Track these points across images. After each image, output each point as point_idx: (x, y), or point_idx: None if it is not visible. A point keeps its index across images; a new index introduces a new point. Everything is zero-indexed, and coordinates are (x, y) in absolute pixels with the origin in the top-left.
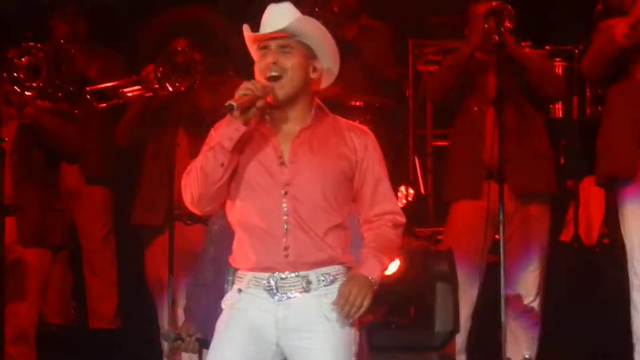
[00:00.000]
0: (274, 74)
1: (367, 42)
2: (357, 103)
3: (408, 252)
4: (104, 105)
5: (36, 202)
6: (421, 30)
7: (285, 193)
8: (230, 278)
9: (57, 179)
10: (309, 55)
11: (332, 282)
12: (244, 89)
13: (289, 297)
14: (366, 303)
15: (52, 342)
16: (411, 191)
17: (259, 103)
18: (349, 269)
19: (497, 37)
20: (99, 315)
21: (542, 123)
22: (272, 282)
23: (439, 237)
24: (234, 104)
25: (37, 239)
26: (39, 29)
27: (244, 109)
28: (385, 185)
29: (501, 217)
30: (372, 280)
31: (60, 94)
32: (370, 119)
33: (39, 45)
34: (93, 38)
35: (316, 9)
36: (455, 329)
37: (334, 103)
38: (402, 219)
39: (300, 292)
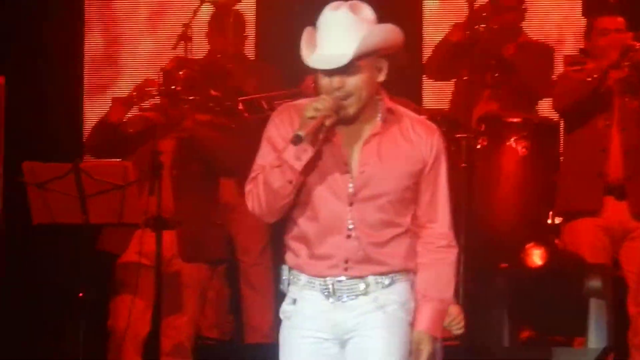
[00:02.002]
0: (340, 96)
1: (525, 60)
2: (515, 119)
3: (560, 267)
4: (257, 117)
5: (196, 217)
6: None
7: (351, 204)
8: (286, 278)
9: (216, 193)
10: (375, 60)
11: (389, 284)
12: (313, 111)
13: (345, 301)
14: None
15: (208, 356)
16: None
17: (328, 122)
18: (410, 270)
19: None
20: (255, 329)
21: None
22: (329, 285)
23: None
24: (301, 134)
25: (197, 253)
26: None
27: (314, 133)
28: (443, 194)
29: None
30: (435, 337)
31: (217, 108)
32: (528, 135)
33: (195, 58)
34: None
35: (477, 26)
36: (610, 345)
37: (492, 118)
38: (450, 241)
39: (357, 296)
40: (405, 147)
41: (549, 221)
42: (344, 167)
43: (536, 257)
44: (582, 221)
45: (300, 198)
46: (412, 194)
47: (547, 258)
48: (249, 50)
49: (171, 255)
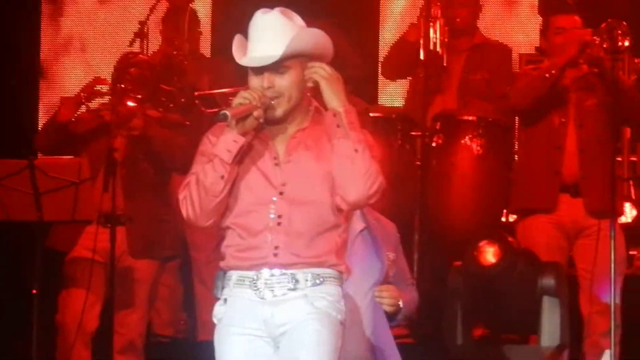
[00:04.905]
0: (270, 96)
1: (482, 58)
2: (470, 118)
3: (513, 265)
4: (213, 111)
5: (146, 213)
6: None
7: (281, 193)
8: (220, 282)
9: (168, 189)
10: (304, 63)
11: (320, 283)
12: (241, 98)
13: (275, 296)
14: None
15: (161, 354)
16: None
17: (257, 113)
18: (340, 273)
19: (598, 53)
20: (208, 327)
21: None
22: (258, 280)
23: None
24: (227, 113)
25: (147, 250)
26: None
27: (240, 119)
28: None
29: (612, 234)
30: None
31: (171, 105)
32: (483, 133)
33: (148, 56)
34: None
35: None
36: (564, 343)
37: (447, 117)
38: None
39: (287, 291)
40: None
41: (503, 219)
42: (273, 160)
43: (490, 254)
44: (536, 218)
45: (232, 202)
46: None
47: (501, 256)
48: (204, 47)
49: (122, 252)
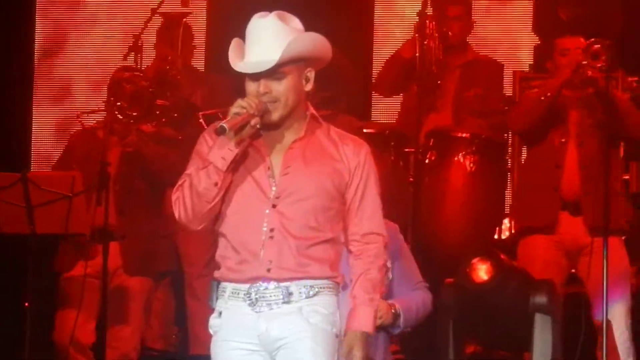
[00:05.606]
0: (267, 101)
1: (475, 75)
2: (464, 134)
3: (506, 282)
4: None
5: (141, 230)
6: None
7: (274, 206)
8: (214, 293)
9: (162, 205)
10: (301, 68)
11: (314, 295)
12: (238, 108)
13: (270, 309)
14: (360, 355)
15: None
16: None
17: (254, 121)
18: (337, 283)
19: (590, 73)
20: (200, 340)
21: (618, 160)
22: (252, 293)
23: None
24: (225, 126)
25: (141, 267)
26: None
27: (238, 129)
28: (373, 202)
29: (605, 252)
30: (367, 333)
31: (164, 119)
32: (476, 150)
33: (142, 72)
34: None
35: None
36: None
37: (440, 133)
38: (383, 242)
39: (281, 304)
40: (330, 153)
41: (496, 236)
42: (267, 172)
43: (482, 272)
44: (537, 237)
45: (225, 210)
46: (339, 205)
47: (493, 273)
48: (199, 61)
49: (116, 267)
